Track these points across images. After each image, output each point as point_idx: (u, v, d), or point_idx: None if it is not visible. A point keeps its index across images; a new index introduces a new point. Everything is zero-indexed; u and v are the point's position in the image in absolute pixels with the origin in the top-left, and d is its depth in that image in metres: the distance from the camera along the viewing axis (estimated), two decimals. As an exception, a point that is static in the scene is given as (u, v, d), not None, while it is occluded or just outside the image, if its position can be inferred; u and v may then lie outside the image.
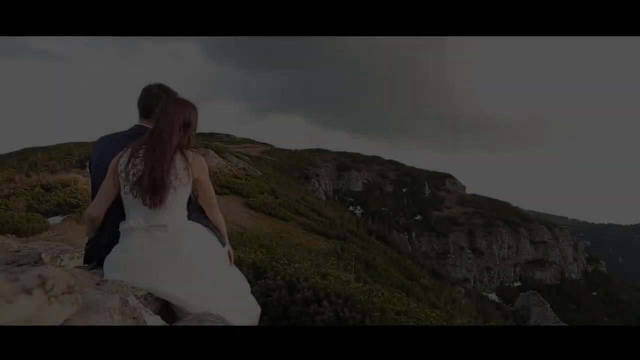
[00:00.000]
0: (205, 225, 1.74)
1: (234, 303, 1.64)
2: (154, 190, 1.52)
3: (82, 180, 14.01)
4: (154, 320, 1.27)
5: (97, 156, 1.88)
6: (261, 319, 1.95)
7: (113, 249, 1.58)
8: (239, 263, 3.96)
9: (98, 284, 1.34)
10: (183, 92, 1.89)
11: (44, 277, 0.84)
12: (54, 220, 10.58)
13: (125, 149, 1.62)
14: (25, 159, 19.47)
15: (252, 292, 2.00)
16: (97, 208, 1.68)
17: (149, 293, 1.49)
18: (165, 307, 1.53)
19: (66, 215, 10.95)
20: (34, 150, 22.56)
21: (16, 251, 2.04)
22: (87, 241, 1.82)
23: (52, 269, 0.87)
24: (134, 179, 1.54)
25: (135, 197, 1.54)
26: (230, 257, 1.83)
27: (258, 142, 56.62)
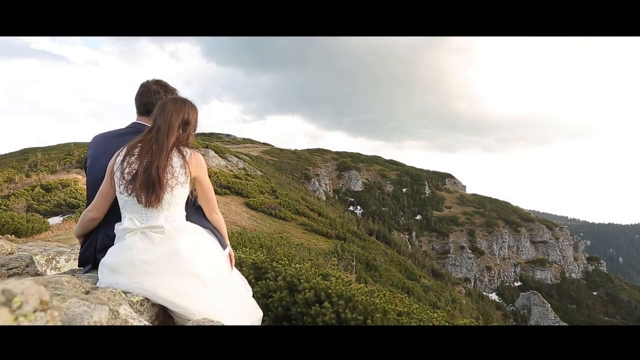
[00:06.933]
0: (205, 227, 1.68)
1: (235, 308, 1.59)
2: (149, 188, 1.45)
3: (82, 180, 14.03)
4: None
5: (91, 155, 1.79)
6: (262, 321, 1.91)
7: (108, 252, 1.50)
8: (239, 264, 3.95)
9: (87, 292, 1.26)
10: (183, 92, 1.85)
11: (10, 292, 0.72)
12: (54, 220, 10.59)
13: (121, 148, 1.56)
14: (25, 159, 19.50)
15: (253, 293, 1.96)
16: (96, 209, 1.62)
17: (145, 298, 1.41)
18: (162, 313, 1.47)
19: (66, 216, 10.97)
20: (34, 150, 22.59)
21: (9, 253, 1.96)
22: (82, 243, 1.75)
23: (22, 282, 0.76)
24: (129, 177, 1.48)
25: (130, 195, 1.47)
26: (231, 261, 1.75)
27: (258, 142, 56.73)
